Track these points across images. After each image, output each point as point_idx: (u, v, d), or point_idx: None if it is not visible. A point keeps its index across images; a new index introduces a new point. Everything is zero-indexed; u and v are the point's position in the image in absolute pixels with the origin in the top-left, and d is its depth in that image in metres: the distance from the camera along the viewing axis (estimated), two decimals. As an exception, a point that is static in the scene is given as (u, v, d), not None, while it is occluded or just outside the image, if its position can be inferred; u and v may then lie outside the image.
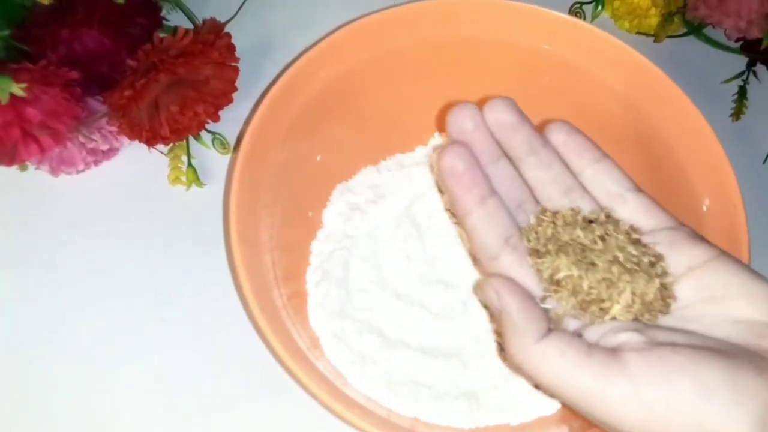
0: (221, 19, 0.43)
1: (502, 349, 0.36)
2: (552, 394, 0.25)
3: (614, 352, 0.23)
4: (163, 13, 0.43)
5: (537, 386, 0.27)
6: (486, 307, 0.30)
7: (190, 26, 0.45)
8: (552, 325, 0.25)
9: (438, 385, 0.34)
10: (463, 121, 0.28)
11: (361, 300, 0.37)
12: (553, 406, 0.34)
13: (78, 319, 0.39)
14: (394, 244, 0.38)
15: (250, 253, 0.32)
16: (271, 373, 0.37)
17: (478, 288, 0.26)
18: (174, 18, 0.45)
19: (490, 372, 0.35)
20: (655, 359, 0.23)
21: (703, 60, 0.49)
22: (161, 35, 0.39)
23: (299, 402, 0.35)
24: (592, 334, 0.25)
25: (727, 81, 0.48)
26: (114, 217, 0.42)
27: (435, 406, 0.34)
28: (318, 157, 0.39)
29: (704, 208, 0.34)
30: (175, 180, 0.42)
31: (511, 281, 0.26)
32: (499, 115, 0.28)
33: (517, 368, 0.25)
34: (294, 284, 0.37)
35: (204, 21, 0.43)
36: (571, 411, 0.34)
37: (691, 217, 0.33)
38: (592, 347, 0.24)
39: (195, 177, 0.43)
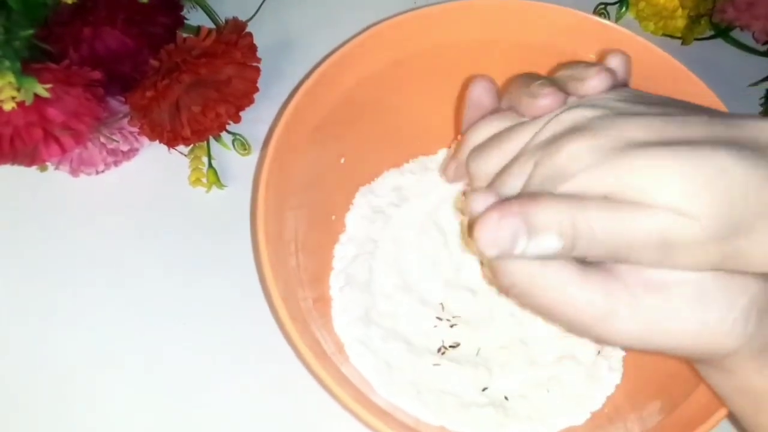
0: (240, 18, 0.42)
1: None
2: (543, 313, 0.24)
3: (603, 265, 0.23)
4: (184, 11, 0.42)
5: (525, 306, 0.25)
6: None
7: (211, 25, 0.44)
8: None
9: (465, 393, 0.34)
10: (481, 95, 0.30)
11: (385, 306, 0.36)
12: (582, 416, 0.34)
13: (97, 321, 0.38)
14: (419, 249, 0.38)
15: (277, 256, 0.31)
16: (295, 378, 0.36)
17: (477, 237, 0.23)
18: (194, 17, 0.45)
19: (518, 380, 0.35)
20: (645, 270, 0.22)
21: (730, 63, 0.49)
22: (183, 35, 0.39)
23: (325, 408, 0.35)
24: None
25: (754, 84, 0.48)
26: (133, 218, 0.41)
27: (462, 415, 0.33)
28: (342, 160, 0.39)
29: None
30: (196, 181, 0.42)
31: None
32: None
33: (506, 291, 0.24)
34: (318, 288, 0.36)
35: (226, 20, 0.43)
36: (601, 421, 0.33)
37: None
38: (583, 263, 0.23)
39: (215, 178, 0.42)
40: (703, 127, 0.23)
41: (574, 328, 0.23)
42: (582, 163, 0.22)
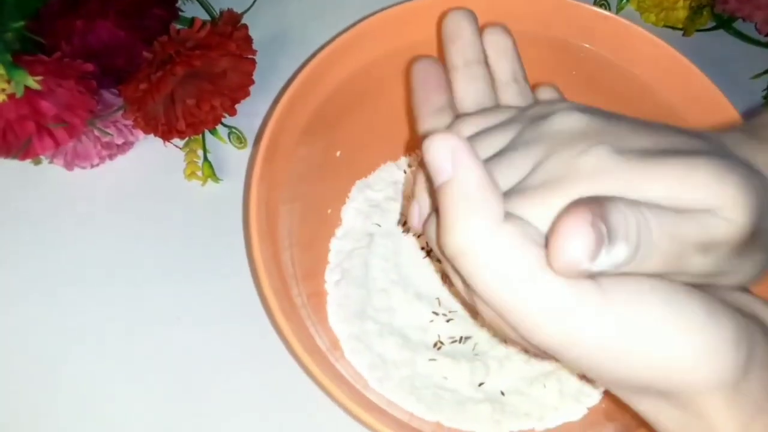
0: (236, 10, 0.42)
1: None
2: (490, 299, 0.20)
3: None
4: (179, 3, 0.42)
5: (468, 288, 0.21)
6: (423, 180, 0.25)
7: (206, 17, 0.44)
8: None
9: (461, 388, 0.34)
10: (460, 20, 0.30)
11: (381, 300, 0.36)
12: (579, 412, 0.33)
13: (91, 316, 0.38)
14: (416, 243, 0.38)
15: (270, 250, 0.31)
16: (290, 374, 0.36)
17: (427, 148, 0.20)
18: (189, 9, 0.44)
19: (514, 376, 0.34)
20: (626, 278, 0.20)
21: (732, 54, 0.48)
22: (177, 27, 0.38)
23: (319, 404, 0.35)
24: None
25: (757, 76, 0.47)
26: (128, 212, 0.41)
27: (458, 411, 0.33)
28: (337, 153, 0.38)
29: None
30: (191, 175, 0.42)
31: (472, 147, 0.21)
32: (497, 37, 0.31)
33: (454, 258, 0.20)
34: (313, 283, 0.36)
35: (221, 12, 0.42)
36: (598, 417, 0.33)
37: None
38: None
39: (211, 172, 0.42)
40: (681, 139, 0.22)
41: (516, 324, 0.20)
42: (604, 166, 0.21)
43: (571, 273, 0.19)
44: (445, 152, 0.20)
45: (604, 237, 0.18)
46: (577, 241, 0.18)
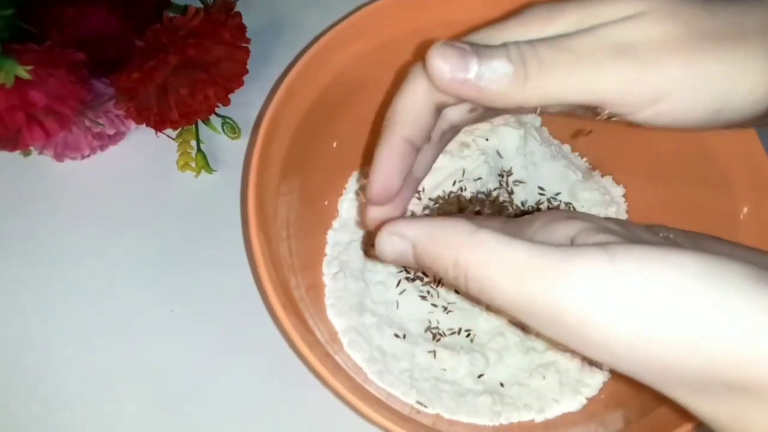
0: (229, -3, 0.41)
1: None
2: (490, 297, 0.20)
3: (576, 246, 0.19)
4: (170, -10, 0.41)
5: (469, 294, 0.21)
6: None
7: (198, 5, 0.43)
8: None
9: (460, 380, 0.34)
10: None
11: (379, 293, 0.36)
12: (578, 403, 0.33)
13: (83, 310, 0.38)
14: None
15: (268, 242, 0.30)
16: (288, 366, 0.36)
17: (380, 248, 0.23)
18: (181, -4, 0.43)
19: (514, 367, 0.34)
20: (650, 249, 0.18)
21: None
22: (170, 14, 0.38)
23: (318, 397, 0.35)
24: (553, 235, 0.21)
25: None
26: (120, 204, 0.40)
27: (458, 402, 0.33)
28: (334, 144, 0.38)
29: (741, 216, 0.33)
30: (184, 166, 0.41)
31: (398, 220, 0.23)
32: None
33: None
34: (311, 275, 0.35)
35: (214, 0, 0.41)
36: (597, 408, 0.33)
37: (726, 222, 0.33)
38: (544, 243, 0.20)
39: (204, 163, 0.41)
40: None
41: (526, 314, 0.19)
42: None
43: (448, 86, 0.22)
44: (391, 238, 0.22)
45: (468, 52, 0.22)
46: (437, 59, 0.22)
